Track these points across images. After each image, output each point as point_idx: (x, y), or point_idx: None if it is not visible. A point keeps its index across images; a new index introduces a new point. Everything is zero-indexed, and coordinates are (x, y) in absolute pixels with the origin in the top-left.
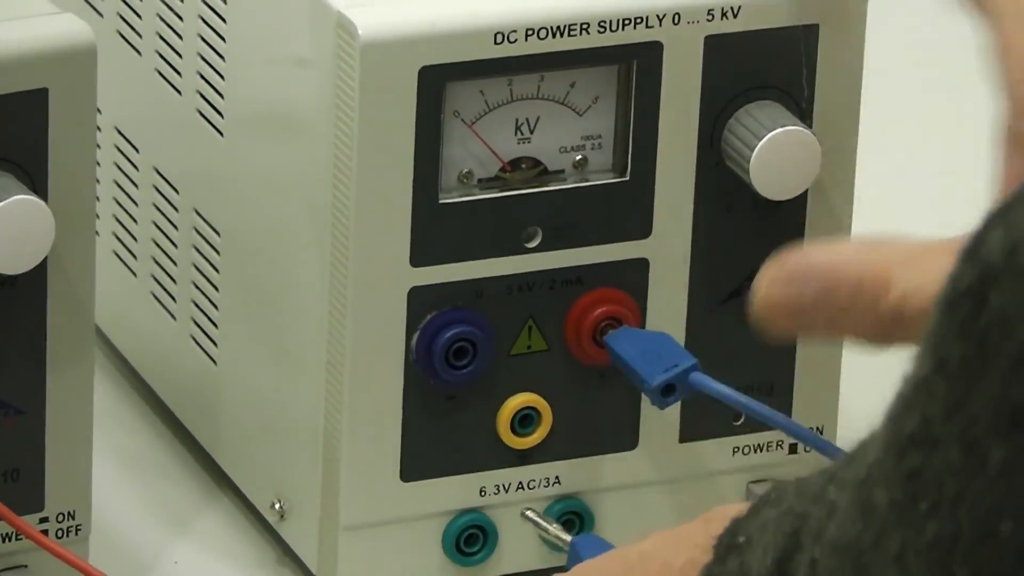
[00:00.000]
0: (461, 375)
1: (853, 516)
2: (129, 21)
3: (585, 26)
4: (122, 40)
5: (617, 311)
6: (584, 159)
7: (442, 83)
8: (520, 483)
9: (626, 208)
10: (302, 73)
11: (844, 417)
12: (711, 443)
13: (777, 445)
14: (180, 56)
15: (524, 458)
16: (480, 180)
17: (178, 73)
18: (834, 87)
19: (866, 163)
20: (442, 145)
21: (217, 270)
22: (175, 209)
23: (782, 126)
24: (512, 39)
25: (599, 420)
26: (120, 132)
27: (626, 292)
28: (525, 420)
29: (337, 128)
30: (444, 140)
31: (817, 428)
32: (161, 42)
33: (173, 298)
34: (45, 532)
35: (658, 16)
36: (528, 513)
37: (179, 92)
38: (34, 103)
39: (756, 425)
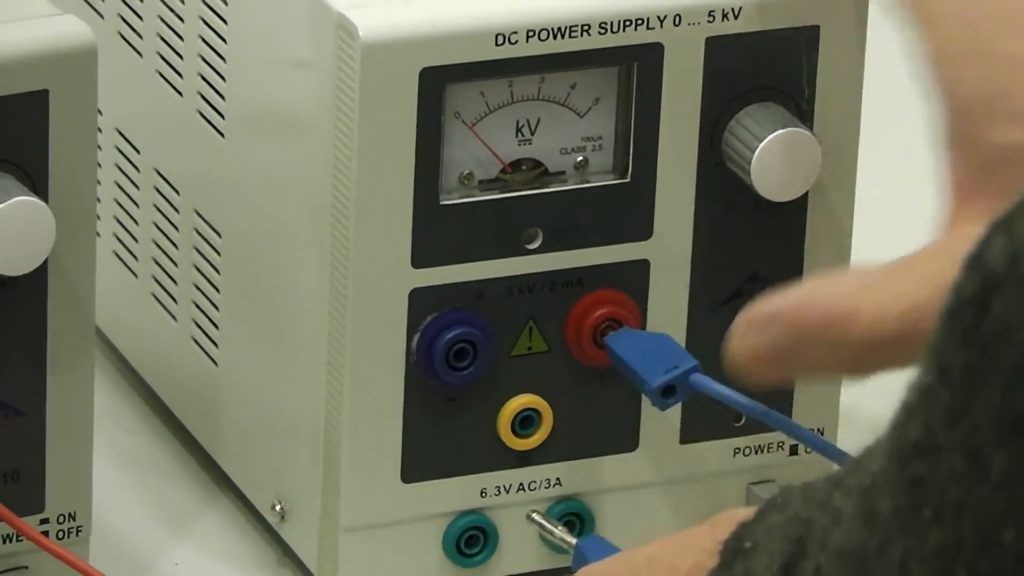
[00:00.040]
0: (462, 376)
1: (858, 523)
2: (130, 22)
3: (586, 27)
4: (123, 41)
5: (618, 312)
6: (585, 160)
7: (443, 84)
8: (521, 484)
9: (627, 209)
10: (303, 74)
11: (845, 418)
12: (712, 444)
13: (778, 446)
14: (181, 57)
15: (525, 459)
16: (481, 181)
17: (179, 74)
18: (835, 88)
19: (866, 164)
20: (443, 146)
21: (218, 271)
22: (176, 210)
23: (783, 127)
24: (513, 40)
25: (600, 421)
26: (121, 133)
27: (627, 293)
28: (526, 421)
29: (337, 129)
30: (445, 141)
31: (818, 430)
32: (162, 43)
33: (174, 299)
34: (45, 533)
35: (659, 17)
36: (533, 515)
37: (180, 93)
38: (35, 104)
39: (757, 426)
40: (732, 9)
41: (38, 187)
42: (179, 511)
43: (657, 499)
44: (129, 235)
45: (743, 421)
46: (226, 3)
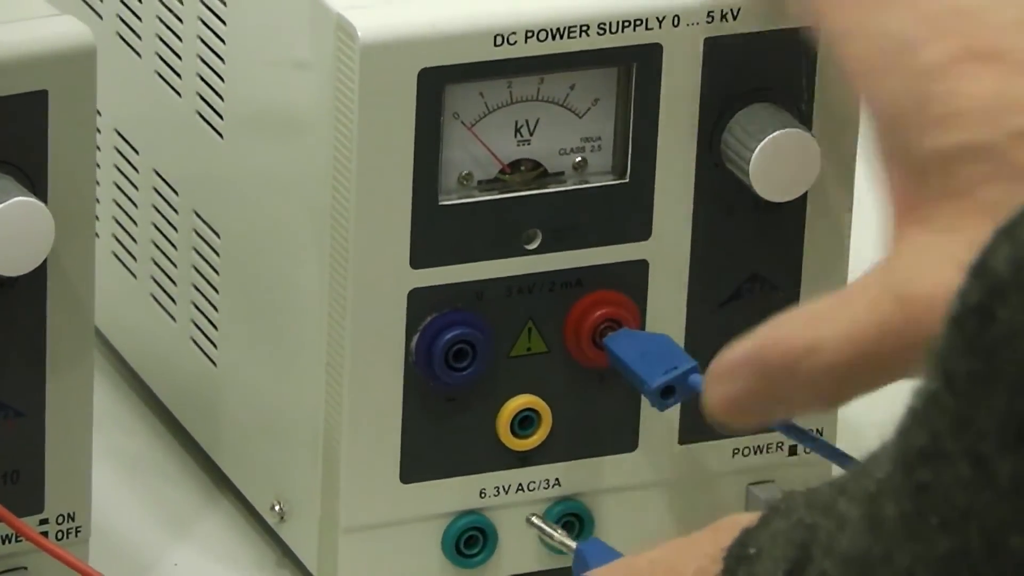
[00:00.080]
0: (461, 377)
1: (863, 529)
2: (129, 23)
3: (585, 28)
4: (122, 42)
5: (617, 313)
6: (584, 161)
7: (442, 85)
8: (520, 485)
9: (626, 210)
10: (302, 75)
11: (845, 419)
12: (711, 445)
13: (777, 447)
14: (180, 58)
15: (524, 460)
16: (480, 182)
17: (178, 75)
18: (834, 89)
19: (866, 164)
20: (442, 147)
21: (217, 272)
22: (175, 211)
23: (782, 128)
24: (512, 41)
25: (599, 422)
26: (120, 134)
27: (626, 294)
28: (525, 422)
29: (337, 130)
30: (444, 142)
31: (817, 430)
32: (161, 44)
33: (173, 300)
34: (45, 534)
35: (658, 18)
36: (533, 519)
37: (179, 94)
38: (34, 105)
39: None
40: (731, 10)
41: (37, 188)
42: (178, 512)
43: (656, 499)
44: (128, 236)
45: None
46: (225, 4)
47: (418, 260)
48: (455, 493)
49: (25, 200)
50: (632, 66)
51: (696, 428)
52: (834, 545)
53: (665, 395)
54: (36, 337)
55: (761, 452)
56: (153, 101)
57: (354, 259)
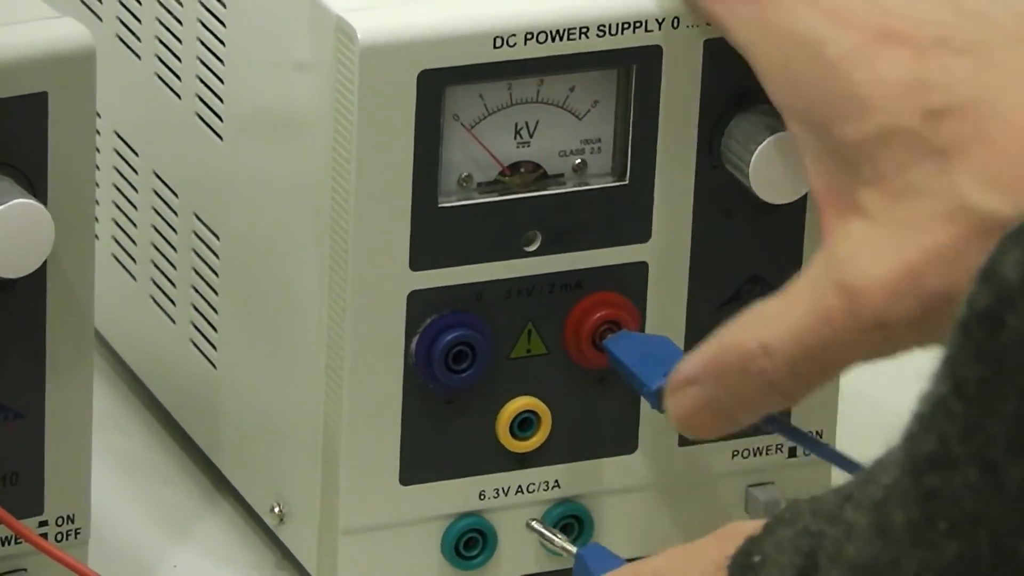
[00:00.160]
0: (460, 379)
1: (871, 536)
2: (128, 25)
3: (584, 30)
4: (121, 44)
5: (616, 315)
6: (583, 163)
7: (441, 87)
8: (519, 487)
9: (625, 212)
10: (301, 77)
11: (844, 420)
12: (710, 447)
13: (776, 448)
14: (179, 60)
15: (523, 462)
16: (479, 184)
17: (177, 77)
18: None
19: None
20: (441, 149)
21: (216, 274)
22: (174, 213)
23: (781, 130)
24: (511, 43)
25: (598, 424)
26: (119, 136)
27: (625, 296)
28: (524, 424)
29: (336, 132)
30: (443, 144)
31: (817, 432)
32: (160, 46)
33: (172, 302)
34: (44, 536)
35: (658, 20)
36: (533, 523)
37: (178, 96)
38: (34, 107)
39: (755, 428)
40: None
41: (37, 189)
42: (178, 513)
43: (656, 501)
44: (128, 237)
45: None
46: (224, 6)
47: (418, 262)
48: (455, 495)
49: (25, 202)
50: (632, 68)
51: None
52: (841, 553)
53: None
54: (36, 339)
55: (761, 454)
56: (153, 103)
57: (354, 261)
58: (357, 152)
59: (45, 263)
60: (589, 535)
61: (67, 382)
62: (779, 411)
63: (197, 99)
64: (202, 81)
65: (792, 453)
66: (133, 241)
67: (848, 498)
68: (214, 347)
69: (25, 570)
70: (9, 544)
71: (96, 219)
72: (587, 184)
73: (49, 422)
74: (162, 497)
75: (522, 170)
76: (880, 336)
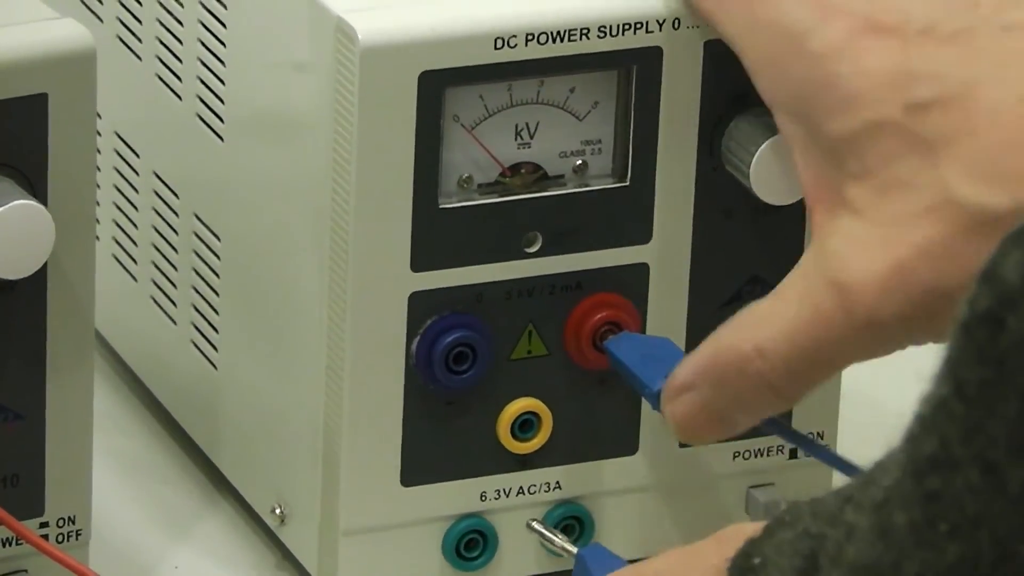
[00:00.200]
0: (461, 380)
1: (872, 538)
2: (129, 26)
3: (585, 31)
4: (122, 45)
5: (617, 316)
6: (584, 164)
7: (442, 88)
8: (520, 488)
9: (626, 213)
10: (302, 78)
11: (845, 421)
12: (711, 448)
13: (777, 450)
14: (180, 61)
15: (524, 463)
16: (480, 185)
17: (178, 78)
18: None
19: None
20: (442, 150)
21: (217, 274)
22: (175, 213)
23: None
24: (512, 44)
25: (599, 425)
26: (120, 137)
27: (626, 297)
28: (525, 425)
29: (337, 133)
30: (444, 145)
31: (817, 433)
32: (161, 47)
33: (173, 302)
34: (45, 537)
35: (658, 21)
36: (533, 524)
37: (179, 97)
38: (34, 108)
39: (756, 429)
40: None
41: (37, 190)
42: (179, 514)
43: (656, 502)
44: (128, 238)
45: None
46: (225, 7)
47: (418, 263)
48: (455, 496)
49: (25, 203)
50: (632, 69)
51: None
52: (842, 555)
53: None
54: (36, 340)
55: (761, 455)
56: (153, 104)
57: (354, 262)
58: (357, 153)
59: (46, 264)
60: (590, 536)
61: (68, 383)
62: (779, 413)
63: (198, 100)
64: (202, 82)
65: (793, 454)
66: (134, 242)
67: (848, 500)
68: (215, 348)
69: (26, 571)
70: (10, 545)
71: (97, 220)
72: (588, 185)
73: (50, 423)
74: (163, 498)
75: (523, 171)
76: (872, 333)
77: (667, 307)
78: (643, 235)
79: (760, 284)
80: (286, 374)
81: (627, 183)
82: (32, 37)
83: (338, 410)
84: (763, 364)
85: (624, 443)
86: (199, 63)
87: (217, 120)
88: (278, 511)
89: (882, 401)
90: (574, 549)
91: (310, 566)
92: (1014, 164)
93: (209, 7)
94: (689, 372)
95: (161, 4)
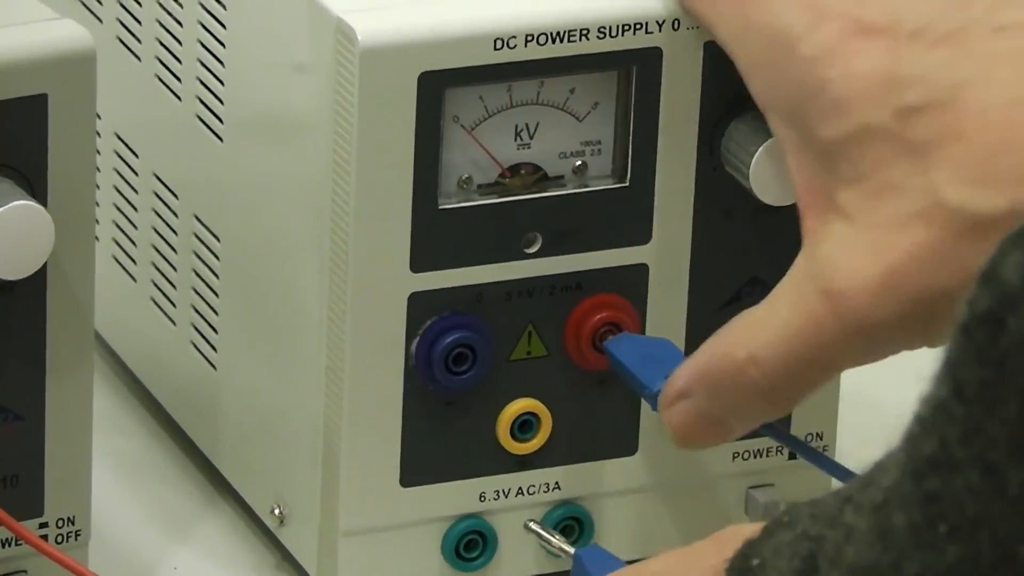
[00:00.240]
0: (461, 380)
1: (871, 539)
2: (129, 27)
3: (585, 32)
4: (122, 46)
5: (617, 316)
6: (584, 164)
7: (442, 89)
8: (520, 488)
9: (626, 213)
10: (301, 78)
11: (845, 422)
12: (711, 448)
13: (777, 451)
14: (180, 62)
15: (524, 463)
16: (480, 186)
17: (178, 79)
18: None
19: None
20: (442, 151)
21: (217, 275)
22: (175, 214)
23: None
24: (512, 45)
25: (599, 425)
26: (120, 137)
27: (626, 298)
28: (525, 425)
29: (336, 134)
30: (444, 146)
31: (816, 434)
32: (161, 48)
33: (173, 303)
34: (44, 537)
35: (658, 22)
36: (531, 524)
37: (179, 97)
38: (34, 109)
39: (755, 430)
40: None
41: (37, 191)
42: (178, 515)
43: (656, 503)
44: (128, 239)
45: None
46: (225, 7)
47: (418, 264)
48: (455, 497)
49: (25, 204)
50: (632, 70)
51: None
52: (841, 556)
53: None
54: (36, 341)
55: (761, 456)
56: (153, 105)
57: (354, 263)
58: (357, 154)
59: (45, 265)
60: (589, 537)
61: (67, 384)
62: (777, 419)
63: (197, 101)
64: (202, 83)
65: (793, 455)
66: (133, 243)
67: (847, 501)
68: (214, 349)
69: (25, 572)
70: (9, 546)
71: (96, 221)
72: (587, 186)
73: (49, 424)
74: (162, 498)
75: (522, 172)
76: (865, 339)
77: (667, 308)
78: (643, 236)
79: (760, 285)
80: (286, 375)
81: (627, 184)
82: (32, 38)
83: (338, 411)
84: (757, 372)
85: (623, 444)
86: (199, 64)
87: (217, 121)
88: (277, 512)
89: (881, 402)
90: (571, 549)
91: (309, 567)
92: (1003, 167)
93: (209, 8)
94: (685, 379)
95: (161, 5)
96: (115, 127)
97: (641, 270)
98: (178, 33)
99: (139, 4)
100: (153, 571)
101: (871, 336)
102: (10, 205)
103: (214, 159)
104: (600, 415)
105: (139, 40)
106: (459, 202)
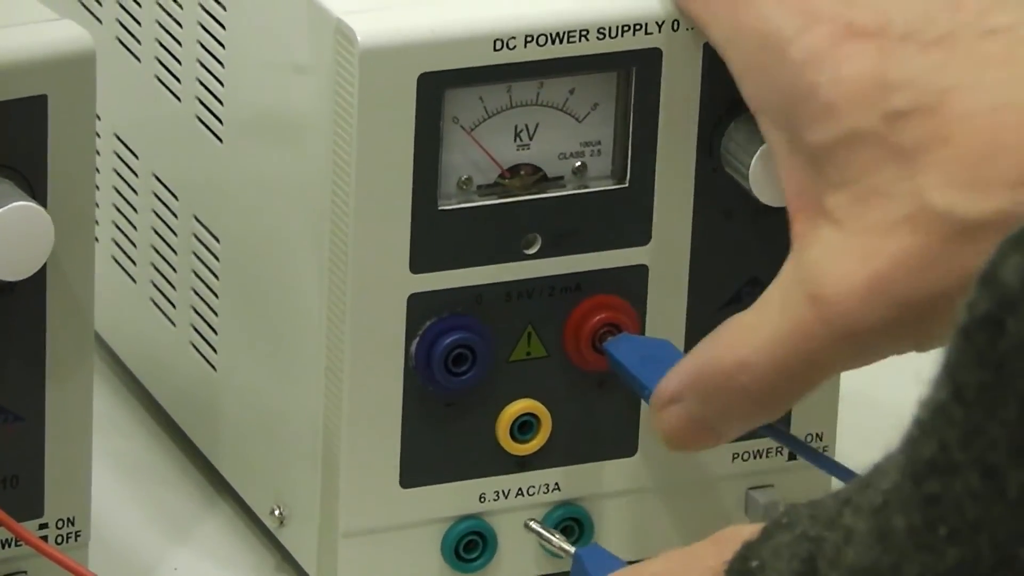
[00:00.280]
0: (460, 381)
1: (871, 542)
2: (128, 28)
3: (584, 33)
4: (121, 47)
5: (616, 317)
6: (583, 165)
7: (441, 90)
8: (520, 489)
9: (625, 214)
10: (301, 79)
11: (844, 423)
12: (710, 449)
13: (777, 451)
14: (179, 62)
15: (523, 464)
16: (479, 187)
17: (177, 79)
18: None
19: None
20: (441, 151)
21: (216, 276)
22: (174, 215)
23: None
24: (511, 46)
25: (598, 426)
26: (119, 138)
27: (625, 298)
28: (524, 426)
29: (336, 134)
30: (443, 146)
31: (816, 435)
32: (160, 48)
33: (172, 304)
34: (44, 538)
35: (657, 23)
36: (531, 524)
37: (178, 98)
38: (34, 109)
39: (754, 431)
40: None
41: (37, 192)
42: (178, 516)
43: (656, 504)
44: (128, 240)
45: None
46: (224, 8)
47: (418, 265)
48: (455, 498)
49: (25, 204)
50: (632, 71)
51: None
52: (840, 558)
53: None
54: (36, 341)
55: (760, 456)
56: (153, 105)
57: (353, 263)
58: (357, 155)
59: (45, 266)
60: (589, 537)
61: (67, 385)
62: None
63: (197, 101)
64: (202, 83)
65: (792, 456)
66: (133, 244)
67: (847, 503)
68: (214, 349)
69: (25, 573)
70: (9, 547)
71: (96, 222)
72: (587, 187)
73: (49, 425)
74: (162, 499)
75: (522, 172)
76: (852, 344)
77: (666, 309)
78: (642, 237)
79: (759, 286)
80: (285, 376)
81: (626, 184)
82: (31, 39)
83: (337, 411)
84: (746, 377)
85: (623, 444)
86: (198, 64)
87: (216, 122)
88: (277, 512)
89: (881, 402)
90: (571, 548)
91: (309, 568)
92: (990, 171)
93: (208, 8)
94: (675, 383)
95: (160, 6)
96: (115, 128)
97: (641, 271)
98: (178, 34)
99: (139, 5)
100: (153, 572)
101: (858, 341)
102: (10, 206)
103: (214, 160)
104: (600, 416)
105: (139, 41)
106: (459, 203)
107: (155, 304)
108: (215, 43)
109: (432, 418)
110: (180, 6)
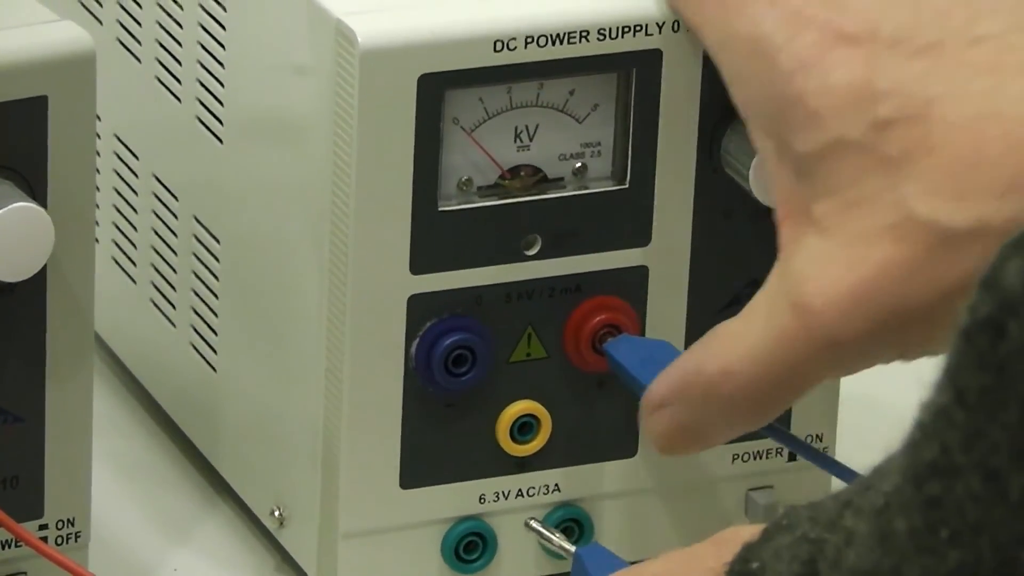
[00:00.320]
0: (460, 382)
1: (872, 544)
2: (129, 28)
3: (584, 34)
4: (122, 47)
5: (616, 319)
6: (583, 166)
7: (441, 91)
8: (519, 490)
9: (625, 215)
10: (301, 80)
11: (844, 424)
12: (710, 450)
13: (776, 452)
14: (180, 63)
15: (523, 465)
16: (479, 188)
17: (178, 80)
18: None
19: None
20: (441, 152)
21: (217, 277)
22: (175, 216)
23: None
24: (511, 47)
25: (598, 427)
26: (120, 139)
27: (625, 300)
28: (524, 427)
29: (336, 135)
30: (443, 147)
31: (816, 436)
32: (161, 49)
33: (173, 305)
34: (44, 539)
35: (658, 24)
36: (531, 523)
37: (179, 99)
38: (34, 110)
39: (755, 432)
40: None
41: (37, 193)
42: (178, 517)
43: (656, 505)
44: (128, 241)
45: None
46: (225, 9)
47: (418, 266)
48: (455, 498)
49: (25, 205)
50: (632, 72)
51: None
52: (841, 560)
53: None
54: (36, 342)
55: (760, 457)
56: (153, 106)
57: (354, 264)
58: (357, 156)
59: (45, 267)
60: (589, 538)
61: (67, 386)
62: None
63: (197, 102)
64: (202, 84)
65: (792, 457)
66: (133, 245)
67: (847, 505)
68: (214, 350)
69: (25, 573)
70: (9, 547)
71: (96, 223)
72: (587, 188)
73: (49, 426)
74: (162, 500)
75: (522, 174)
76: (836, 353)
77: (666, 310)
78: (642, 238)
79: (759, 287)
80: (285, 376)
81: (626, 185)
82: (32, 40)
83: (337, 412)
84: (730, 386)
85: (623, 445)
86: (199, 65)
87: (216, 123)
88: (277, 513)
89: (881, 403)
90: (572, 548)
91: (309, 568)
92: (973, 181)
93: (209, 9)
94: (664, 389)
95: (160, 6)
96: (115, 129)
97: (641, 272)
98: (178, 35)
99: (139, 6)
100: (153, 573)
101: (842, 350)
102: (10, 207)
103: (214, 161)
104: (600, 417)
105: (139, 42)
106: (459, 204)
107: (155, 305)
108: (215, 44)
109: (432, 419)
110: (180, 7)
